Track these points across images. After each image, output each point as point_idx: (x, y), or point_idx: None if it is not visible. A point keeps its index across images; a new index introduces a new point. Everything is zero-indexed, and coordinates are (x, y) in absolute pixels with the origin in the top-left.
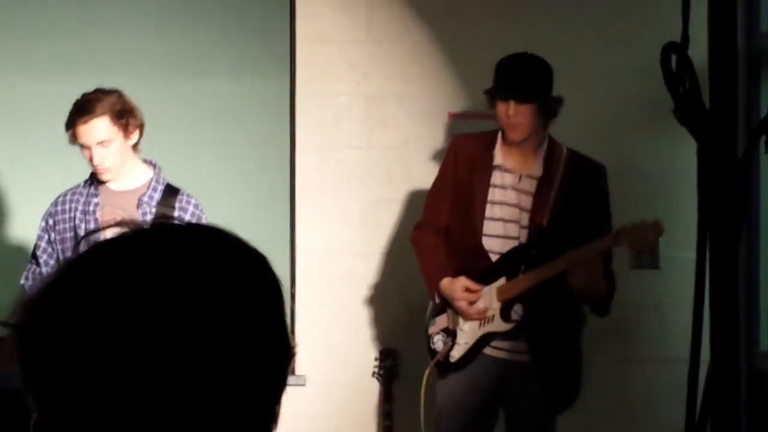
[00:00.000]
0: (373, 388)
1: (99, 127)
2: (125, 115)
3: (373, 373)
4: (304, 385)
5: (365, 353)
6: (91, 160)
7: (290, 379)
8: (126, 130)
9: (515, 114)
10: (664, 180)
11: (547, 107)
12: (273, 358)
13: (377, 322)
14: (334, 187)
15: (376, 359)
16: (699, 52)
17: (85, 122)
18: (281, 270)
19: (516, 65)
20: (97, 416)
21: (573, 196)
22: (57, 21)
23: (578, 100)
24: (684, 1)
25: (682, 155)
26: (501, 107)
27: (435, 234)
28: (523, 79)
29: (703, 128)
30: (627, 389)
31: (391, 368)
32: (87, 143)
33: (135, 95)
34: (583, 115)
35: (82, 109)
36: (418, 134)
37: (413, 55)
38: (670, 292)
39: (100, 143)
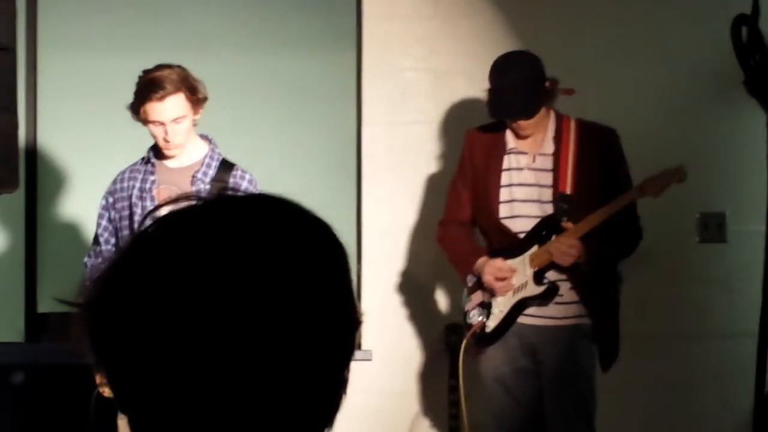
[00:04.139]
0: (439, 363)
1: (175, 104)
2: (195, 91)
3: (441, 348)
4: (370, 359)
5: (431, 328)
6: (164, 136)
7: (357, 354)
8: (196, 106)
9: (518, 127)
10: (733, 152)
11: (547, 100)
12: (340, 324)
13: (443, 297)
14: (400, 163)
15: (441, 334)
16: None
17: (160, 99)
18: (348, 244)
19: (506, 87)
20: (169, 387)
21: (590, 162)
22: None
23: (644, 75)
24: None
25: (750, 128)
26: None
27: (458, 226)
28: (515, 103)
29: None
30: (695, 364)
31: (456, 343)
32: (161, 120)
33: (202, 71)
34: (651, 88)
35: (155, 86)
36: (485, 110)
37: (480, 31)
38: (738, 266)
39: (175, 120)
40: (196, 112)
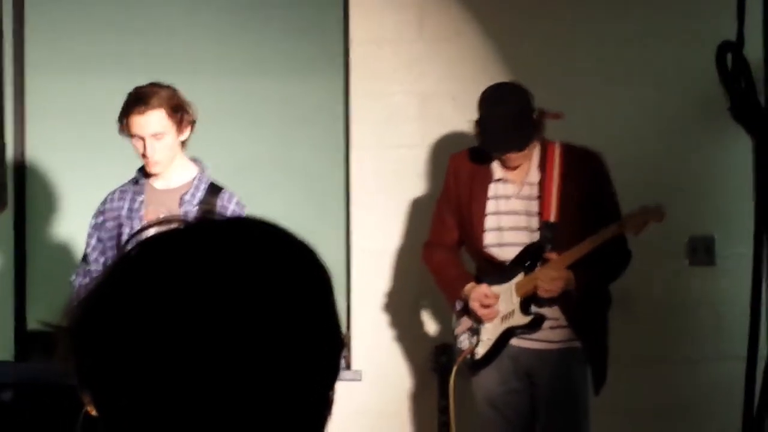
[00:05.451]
0: (429, 383)
1: (155, 119)
2: (180, 111)
3: (431, 368)
4: (360, 380)
5: (420, 349)
6: (143, 151)
7: (346, 374)
8: (180, 125)
9: (507, 159)
10: (721, 176)
11: (537, 132)
12: (323, 345)
13: (432, 318)
14: (388, 186)
15: (431, 354)
16: (754, 50)
17: (141, 113)
18: (337, 267)
19: (497, 120)
20: (152, 409)
21: (575, 188)
22: (111, 20)
23: (632, 100)
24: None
25: (738, 152)
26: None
27: (444, 250)
28: (507, 137)
29: (759, 125)
30: (683, 386)
31: (446, 364)
32: (141, 134)
33: (191, 94)
34: (641, 113)
35: (139, 100)
36: (471, 133)
37: (466, 54)
38: (727, 289)
39: (154, 135)
40: (180, 132)
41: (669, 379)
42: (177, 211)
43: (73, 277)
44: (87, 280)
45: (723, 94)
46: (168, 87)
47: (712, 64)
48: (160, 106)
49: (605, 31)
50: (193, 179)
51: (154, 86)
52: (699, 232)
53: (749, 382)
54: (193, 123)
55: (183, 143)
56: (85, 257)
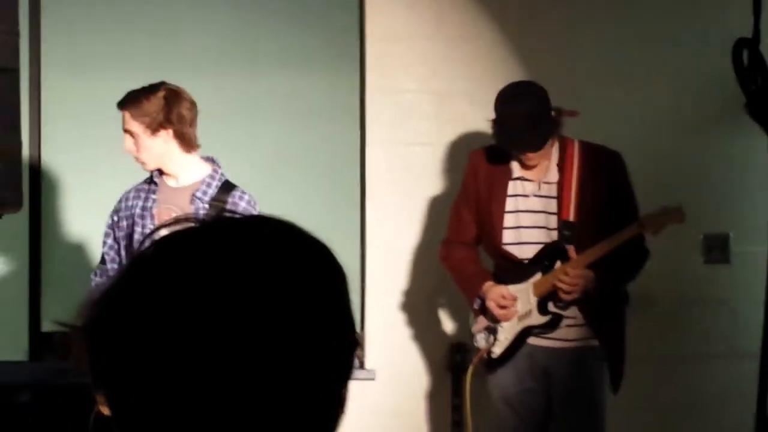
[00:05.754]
0: (443, 382)
1: (124, 118)
2: (150, 115)
3: (446, 367)
4: (373, 379)
5: (435, 348)
6: None
7: (360, 373)
8: (151, 129)
9: (525, 158)
10: (736, 174)
11: (554, 131)
12: (337, 344)
13: (446, 317)
14: (403, 183)
15: (445, 353)
16: None
17: (120, 110)
18: (351, 265)
19: (514, 119)
20: (166, 408)
21: (594, 188)
22: (128, 20)
23: (647, 98)
24: None
25: (753, 150)
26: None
27: (462, 247)
28: (524, 136)
29: None
30: (697, 384)
31: (460, 363)
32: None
33: (204, 92)
34: (655, 111)
35: (123, 98)
36: (486, 131)
37: (483, 53)
38: (741, 287)
39: (127, 132)
40: (153, 135)
41: (683, 377)
42: (188, 208)
43: (92, 276)
44: (103, 279)
45: (738, 91)
46: (158, 91)
47: (726, 61)
48: (128, 107)
49: (622, 32)
50: (206, 177)
51: (146, 87)
52: (714, 230)
53: (763, 379)
54: (175, 131)
55: (187, 146)
56: (102, 257)
